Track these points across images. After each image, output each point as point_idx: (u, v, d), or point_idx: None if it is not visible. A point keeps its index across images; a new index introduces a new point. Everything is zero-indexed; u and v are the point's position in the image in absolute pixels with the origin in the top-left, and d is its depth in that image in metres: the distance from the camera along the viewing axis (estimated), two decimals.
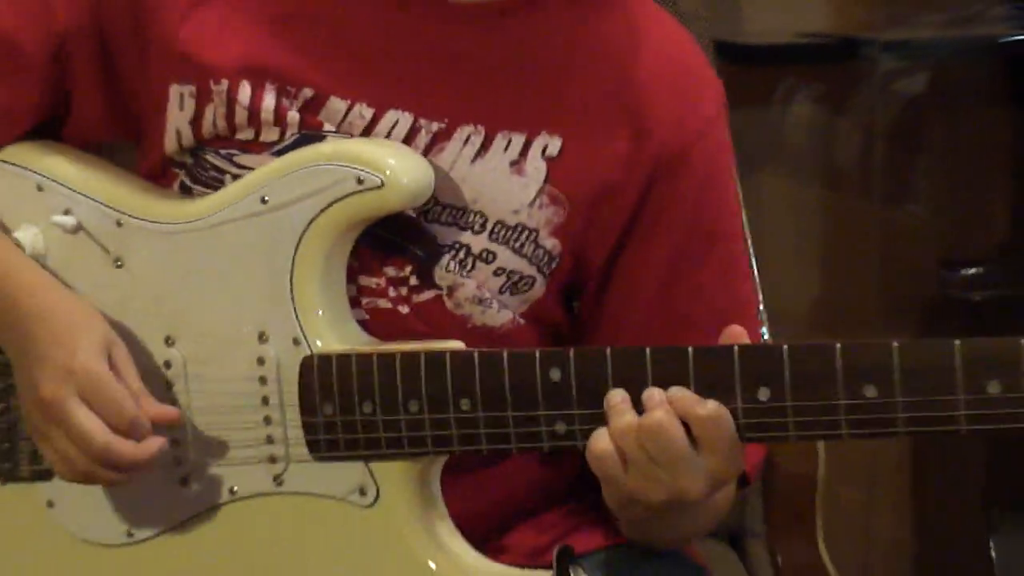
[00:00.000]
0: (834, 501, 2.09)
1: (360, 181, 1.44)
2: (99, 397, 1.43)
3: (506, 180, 1.47)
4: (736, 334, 1.38)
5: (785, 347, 1.35)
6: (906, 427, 1.33)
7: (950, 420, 1.33)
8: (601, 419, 1.39)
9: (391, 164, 1.44)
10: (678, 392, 1.36)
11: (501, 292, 1.50)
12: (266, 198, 1.47)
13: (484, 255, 1.49)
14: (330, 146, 1.48)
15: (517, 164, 1.48)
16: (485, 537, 1.52)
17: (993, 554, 2.47)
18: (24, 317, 1.48)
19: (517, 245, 1.50)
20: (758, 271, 1.96)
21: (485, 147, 1.47)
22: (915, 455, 2.72)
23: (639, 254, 1.52)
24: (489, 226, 1.49)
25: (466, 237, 1.49)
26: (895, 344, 1.33)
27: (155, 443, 1.44)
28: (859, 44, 2.56)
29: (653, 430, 1.36)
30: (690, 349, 1.36)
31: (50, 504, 1.54)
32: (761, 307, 1.98)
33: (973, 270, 2.62)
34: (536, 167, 1.48)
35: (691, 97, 1.53)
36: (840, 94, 2.64)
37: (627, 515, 1.47)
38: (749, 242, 1.95)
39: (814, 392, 1.34)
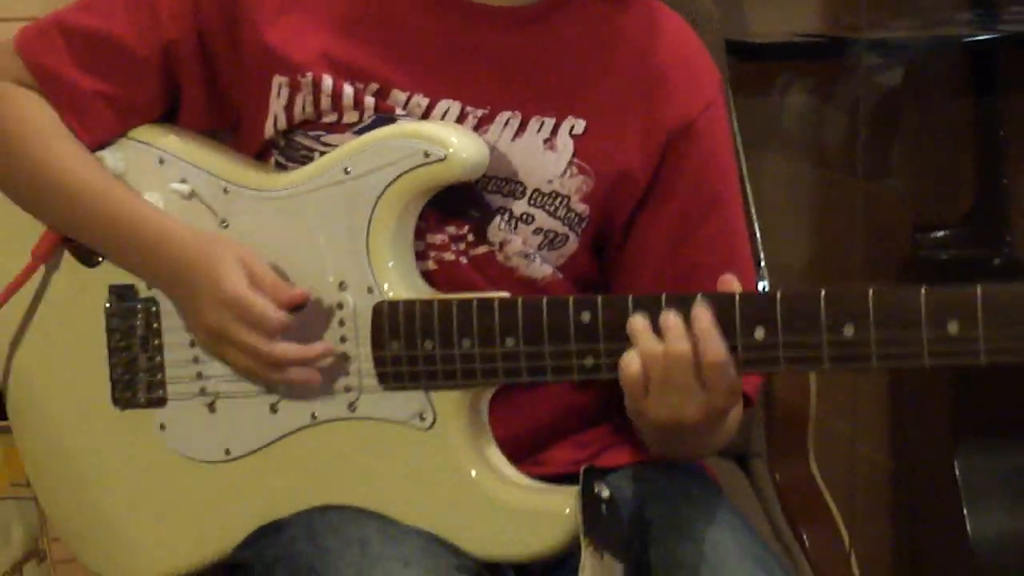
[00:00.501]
0: (824, 430, 2.24)
1: (427, 155, 1.51)
2: (250, 316, 1.49)
3: (540, 155, 1.56)
4: (728, 281, 1.42)
5: (778, 293, 1.39)
6: (878, 362, 1.37)
7: (916, 356, 1.36)
8: (621, 353, 1.44)
9: (453, 141, 1.52)
10: (704, 326, 1.41)
11: (540, 248, 1.58)
12: (348, 169, 1.54)
13: (525, 217, 1.57)
14: (402, 126, 1.55)
15: (549, 141, 1.56)
16: (527, 454, 1.58)
17: (957, 473, 2.57)
18: (170, 260, 1.55)
19: (552, 209, 1.58)
20: (760, 234, 2.07)
21: (522, 128, 1.56)
22: (892, 391, 2.79)
23: (652, 213, 1.60)
24: (528, 193, 1.57)
25: (509, 203, 1.57)
26: (871, 290, 1.37)
27: (318, 346, 1.52)
28: (846, 43, 2.60)
29: (675, 358, 1.41)
30: (699, 295, 1.41)
31: (162, 427, 1.61)
32: (763, 264, 2.07)
33: (942, 233, 2.68)
34: (565, 143, 1.56)
35: (697, 80, 1.61)
36: (830, 85, 2.71)
37: (640, 427, 1.52)
38: (752, 208, 2.08)
39: (801, 331, 1.39)
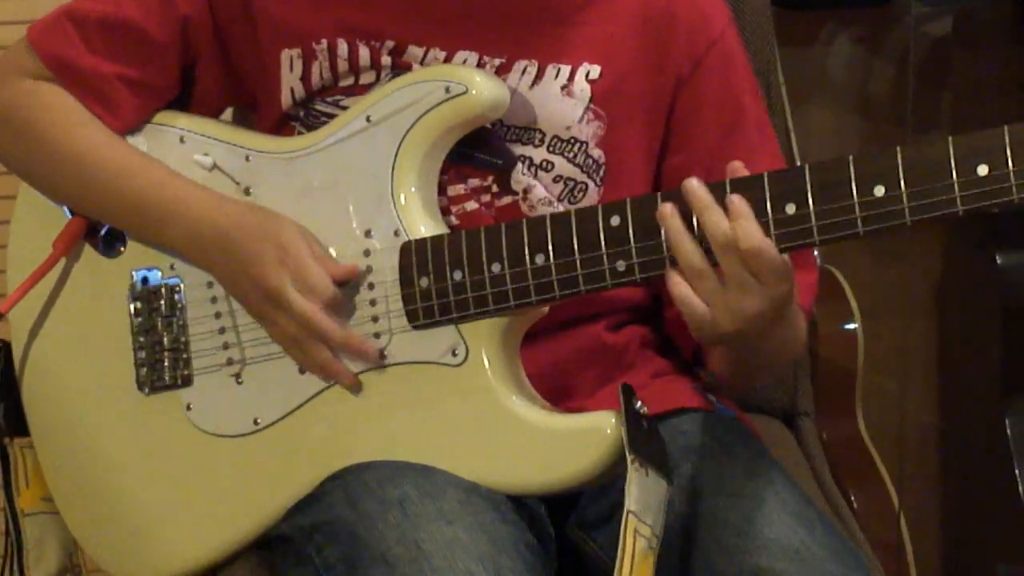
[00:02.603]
0: (872, 389, 2.25)
1: (448, 90, 1.54)
2: (308, 281, 1.53)
3: (558, 102, 1.59)
4: (734, 168, 1.45)
5: (806, 166, 1.41)
6: (912, 216, 1.38)
7: (949, 203, 1.37)
8: (654, 251, 1.46)
9: (473, 76, 1.55)
10: (738, 209, 1.41)
11: (561, 199, 1.61)
12: (370, 117, 1.57)
13: (544, 164, 1.60)
14: (421, 70, 1.58)
15: (566, 88, 1.59)
16: (558, 400, 1.59)
17: (1008, 431, 2.57)
18: (224, 231, 1.57)
19: (571, 155, 1.60)
20: None
21: (539, 76, 1.59)
22: (941, 349, 2.81)
23: (680, 156, 1.63)
24: (547, 140, 1.60)
25: (528, 150, 1.59)
26: (898, 148, 1.39)
27: (351, 334, 1.53)
28: None
29: (720, 247, 1.41)
30: (727, 181, 1.43)
31: (188, 407, 1.63)
32: None
33: None
34: (582, 89, 1.59)
35: (702, 19, 1.63)
36: (877, 35, 2.70)
37: (712, 350, 1.57)
38: (798, 160, 2.10)
39: (832, 199, 1.40)
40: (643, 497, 1.43)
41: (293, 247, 1.54)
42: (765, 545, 1.50)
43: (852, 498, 2.09)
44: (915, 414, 2.77)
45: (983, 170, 1.36)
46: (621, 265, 1.47)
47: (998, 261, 2.55)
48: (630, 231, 1.46)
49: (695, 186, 1.43)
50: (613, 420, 1.48)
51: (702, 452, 1.58)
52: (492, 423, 1.52)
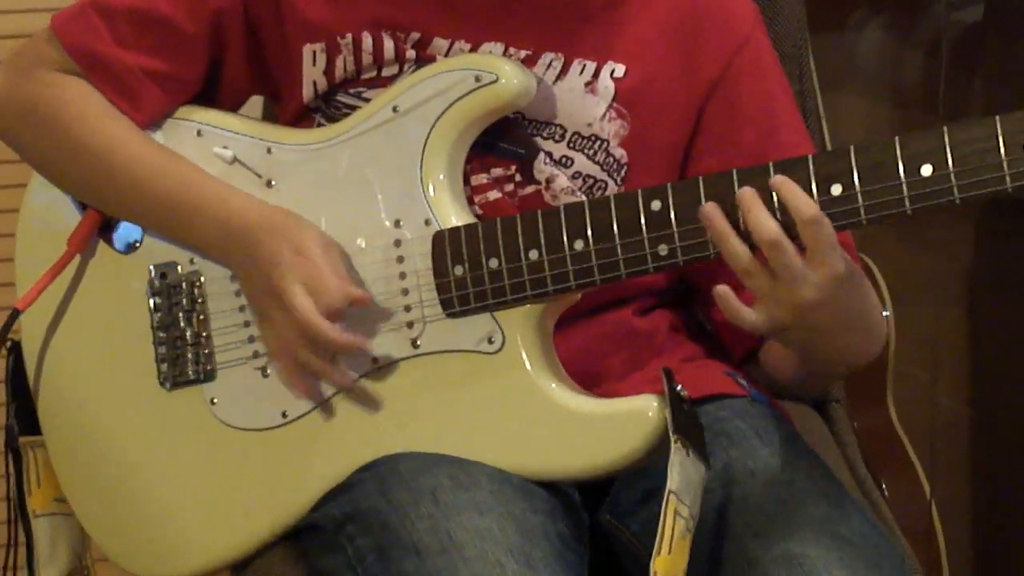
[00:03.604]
0: (903, 378, 2.29)
1: (478, 79, 1.53)
2: (318, 286, 1.52)
3: (581, 98, 1.59)
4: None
5: (852, 147, 1.41)
6: (960, 194, 1.39)
7: (998, 180, 1.38)
8: (697, 234, 1.46)
9: (502, 64, 1.55)
10: (785, 188, 1.42)
11: (581, 193, 1.60)
12: (397, 107, 1.57)
13: (564, 160, 1.60)
14: (448, 60, 1.58)
15: (590, 85, 1.59)
16: (590, 385, 1.58)
17: None
18: (249, 229, 1.57)
19: (591, 153, 1.60)
20: None
21: (564, 71, 1.59)
22: (972, 339, 2.79)
23: (715, 157, 1.61)
24: (567, 136, 1.60)
25: (549, 145, 1.59)
26: (945, 127, 1.40)
27: (353, 338, 1.52)
28: None
29: (768, 245, 1.41)
30: (770, 164, 1.43)
31: (212, 402, 1.62)
32: None
33: None
34: (606, 87, 1.59)
35: (729, 21, 1.63)
36: (908, 21, 2.70)
37: (784, 349, 1.56)
38: (829, 147, 2.07)
39: (878, 179, 1.41)
40: (684, 478, 1.43)
41: (311, 252, 1.53)
42: (799, 530, 1.50)
43: (883, 485, 2.09)
44: (946, 402, 2.76)
45: None
46: (663, 249, 1.47)
47: None
48: (672, 215, 1.46)
49: (746, 190, 1.43)
50: (655, 403, 1.48)
51: (736, 437, 1.58)
52: (532, 410, 1.52)
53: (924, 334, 2.66)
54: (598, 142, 1.60)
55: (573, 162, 1.60)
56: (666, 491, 1.41)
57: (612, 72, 1.59)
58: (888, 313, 2.26)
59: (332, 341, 1.52)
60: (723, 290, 1.45)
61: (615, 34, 1.59)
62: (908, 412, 2.33)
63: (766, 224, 1.41)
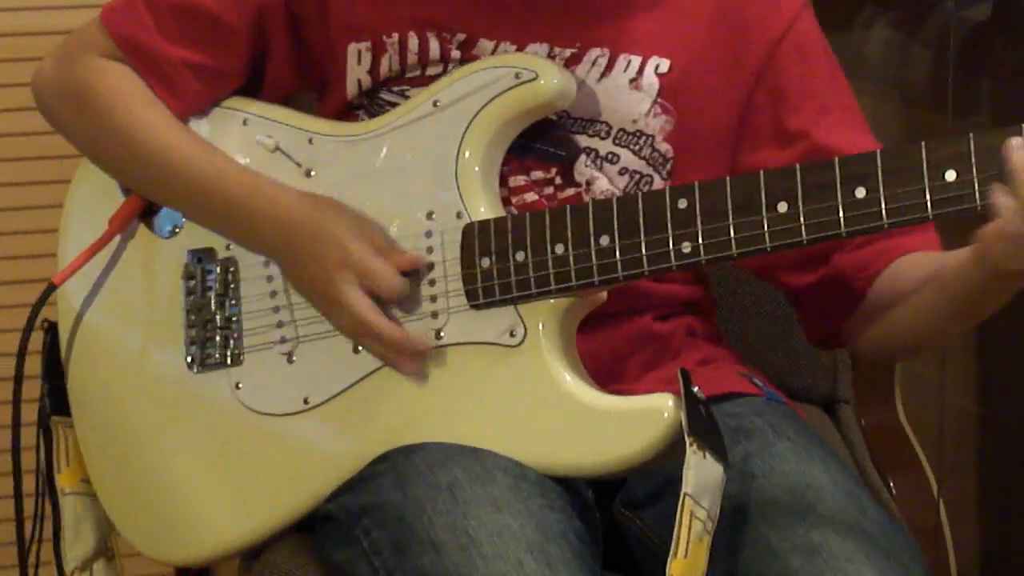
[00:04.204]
0: (911, 377, 2.25)
1: (518, 76, 1.56)
2: (371, 278, 1.55)
3: (626, 94, 1.61)
4: None
5: (877, 151, 1.43)
6: (983, 200, 1.39)
7: None
8: (720, 232, 1.46)
9: (543, 64, 1.57)
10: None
11: (627, 191, 1.62)
12: (437, 101, 1.59)
13: (610, 157, 1.62)
14: (490, 58, 1.60)
15: (635, 81, 1.61)
16: (606, 384, 1.59)
17: None
18: (284, 225, 1.60)
19: (636, 148, 1.62)
20: None
21: (609, 67, 1.61)
22: (980, 337, 2.73)
23: (766, 147, 1.64)
24: (613, 133, 1.61)
25: (595, 142, 1.61)
26: (971, 134, 1.40)
27: (405, 335, 1.55)
28: None
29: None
30: (797, 166, 1.45)
31: (237, 386, 1.65)
32: None
33: None
34: (650, 83, 1.61)
35: (772, 5, 1.64)
36: (916, 20, 2.66)
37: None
38: None
39: (903, 182, 1.41)
40: (700, 480, 1.43)
41: (355, 248, 1.55)
42: (818, 521, 1.50)
43: (891, 484, 2.09)
44: (954, 401, 2.73)
45: None
46: (687, 247, 1.48)
47: None
48: (697, 213, 1.47)
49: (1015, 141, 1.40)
50: (670, 402, 1.48)
51: (752, 434, 1.58)
52: (549, 404, 1.52)
53: None
54: (643, 137, 1.61)
55: (619, 158, 1.61)
56: (681, 494, 1.42)
57: (657, 67, 1.60)
58: None
59: (385, 336, 1.55)
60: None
61: (659, 29, 1.61)
62: (916, 410, 2.30)
63: None
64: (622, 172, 1.62)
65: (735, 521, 1.52)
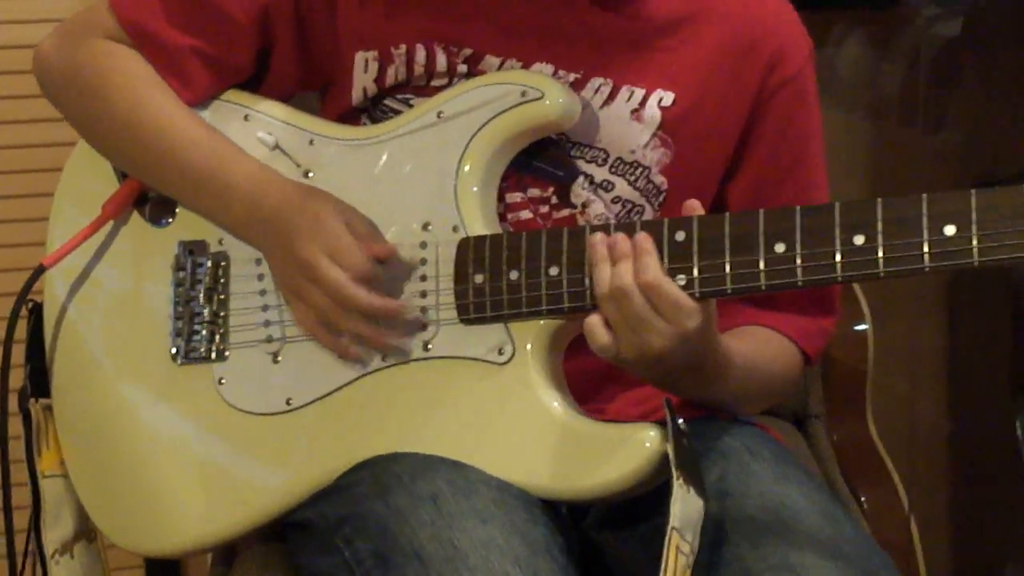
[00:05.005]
0: (882, 390, 2.25)
1: (524, 94, 1.55)
2: (340, 252, 1.53)
3: (626, 125, 1.60)
4: (693, 206, 1.48)
5: (879, 200, 1.42)
6: (980, 257, 1.39)
7: (1018, 248, 1.38)
8: (715, 269, 1.46)
9: (549, 84, 1.56)
10: (644, 263, 1.45)
11: (619, 218, 1.62)
12: (442, 112, 1.59)
13: (605, 184, 1.61)
14: (497, 73, 1.59)
15: (637, 112, 1.60)
16: (583, 402, 1.58)
17: (1019, 433, 2.53)
18: (276, 208, 1.58)
19: (632, 179, 1.62)
20: None
21: (611, 96, 1.60)
22: (951, 351, 2.77)
23: (730, 182, 1.65)
24: (610, 161, 1.61)
25: (591, 168, 1.60)
26: (973, 191, 1.39)
27: (390, 301, 1.54)
28: None
29: (619, 285, 1.45)
30: (797, 208, 1.44)
31: (220, 381, 1.63)
32: None
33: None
34: (652, 115, 1.60)
35: (783, 54, 1.64)
36: (887, 36, 2.67)
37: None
38: None
39: (902, 234, 1.41)
40: (685, 514, 1.43)
41: (328, 219, 1.54)
42: (795, 541, 1.50)
43: (862, 499, 2.09)
44: (925, 415, 2.76)
45: None
46: (682, 279, 1.47)
47: None
48: (695, 247, 1.47)
49: (642, 237, 1.45)
50: (653, 433, 1.48)
51: (728, 454, 1.59)
52: (533, 425, 1.52)
53: (903, 346, 2.66)
54: (640, 168, 1.61)
55: (614, 186, 1.61)
56: (668, 528, 1.41)
57: (660, 100, 1.60)
58: (867, 326, 2.26)
59: (367, 305, 1.53)
60: (593, 319, 1.47)
61: (666, 61, 1.60)
62: (888, 425, 2.30)
63: (624, 274, 1.45)
64: (615, 201, 1.62)
65: (713, 541, 1.51)
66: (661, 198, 1.62)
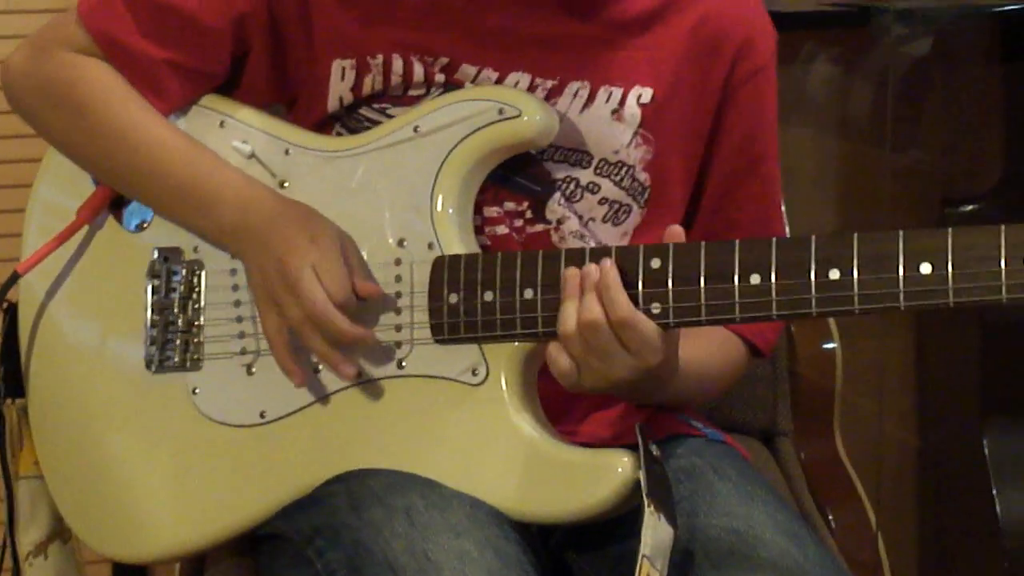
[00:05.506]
0: (850, 408, 2.25)
1: (501, 112, 1.54)
2: (327, 274, 1.52)
3: (608, 126, 1.60)
4: (675, 232, 1.48)
5: (855, 235, 1.41)
6: (956, 298, 1.38)
7: (993, 290, 1.37)
8: (690, 297, 1.45)
9: (528, 101, 1.55)
10: (611, 298, 1.45)
11: (604, 220, 1.62)
12: (418, 127, 1.57)
13: (591, 187, 1.61)
14: (475, 88, 1.58)
15: (617, 112, 1.60)
16: (554, 423, 1.57)
17: (986, 451, 2.57)
18: (269, 219, 1.57)
19: (617, 179, 1.62)
20: (786, 207, 1.93)
21: (590, 99, 1.60)
22: (919, 369, 2.79)
23: (702, 174, 1.66)
24: (594, 163, 1.61)
25: (576, 172, 1.60)
26: (950, 229, 1.38)
27: (362, 330, 1.53)
28: (873, 12, 2.58)
29: (587, 319, 1.46)
30: (773, 240, 1.44)
31: (194, 391, 1.62)
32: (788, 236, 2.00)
33: (970, 207, 2.67)
34: (632, 113, 1.60)
35: (751, 45, 1.65)
36: (856, 55, 2.70)
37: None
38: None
39: (877, 270, 1.40)
40: (656, 542, 1.42)
41: (325, 240, 1.53)
42: (759, 563, 1.50)
43: (830, 517, 2.09)
44: (893, 433, 2.76)
45: None
46: (656, 308, 1.47)
47: None
48: (670, 276, 1.46)
49: (607, 266, 1.46)
50: (625, 459, 1.48)
51: (694, 474, 1.59)
52: (505, 448, 1.52)
53: (871, 365, 2.67)
54: (624, 168, 1.61)
55: (600, 188, 1.61)
56: (639, 556, 1.41)
57: (639, 97, 1.60)
58: (836, 345, 2.27)
59: (339, 330, 1.52)
60: (555, 347, 1.48)
61: (641, 57, 1.61)
62: (855, 443, 2.32)
63: (593, 309, 1.45)
64: (602, 201, 1.62)
65: (678, 563, 1.50)
66: (646, 195, 1.63)
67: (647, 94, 1.60)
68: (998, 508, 2.55)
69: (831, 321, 2.20)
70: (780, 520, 1.55)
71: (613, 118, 1.60)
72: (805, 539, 1.54)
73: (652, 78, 1.61)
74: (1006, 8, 2.66)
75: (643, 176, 1.62)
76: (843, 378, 2.21)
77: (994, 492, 2.56)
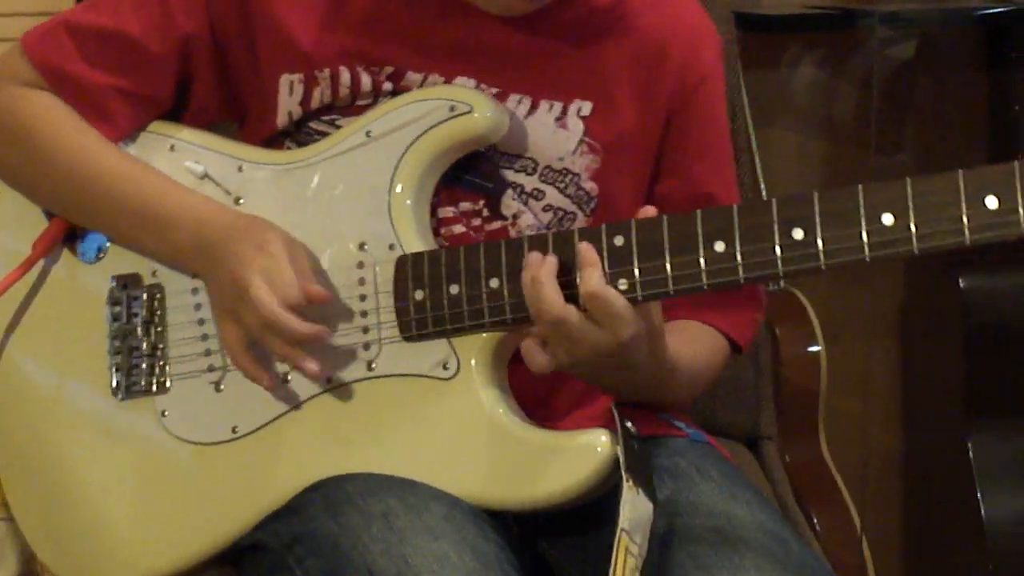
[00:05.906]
0: (835, 411, 2.28)
1: (452, 109, 1.55)
2: (276, 278, 1.51)
3: (552, 134, 1.60)
4: (649, 212, 1.48)
5: (816, 192, 1.41)
6: (920, 245, 1.37)
7: (956, 233, 1.36)
8: (656, 271, 1.45)
9: (477, 97, 1.56)
10: (587, 273, 1.45)
11: (549, 227, 1.61)
12: (371, 132, 1.57)
13: (535, 193, 1.61)
14: (424, 89, 1.58)
15: (560, 120, 1.60)
16: (536, 418, 1.56)
17: (971, 454, 2.58)
18: (220, 237, 1.57)
19: (562, 186, 1.61)
20: None
21: (533, 110, 1.60)
22: (904, 371, 2.80)
23: (667, 184, 1.65)
24: (539, 169, 1.61)
25: (520, 178, 1.60)
26: (908, 179, 1.38)
27: (316, 327, 1.52)
28: (858, 15, 2.59)
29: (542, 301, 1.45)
30: (734, 207, 1.43)
31: (163, 414, 1.61)
32: None
33: None
34: (575, 124, 1.60)
35: (695, 53, 1.65)
36: (841, 59, 2.72)
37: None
38: (762, 182, 2.13)
39: (840, 225, 1.39)
40: (635, 516, 1.42)
41: (272, 247, 1.53)
42: (742, 563, 1.50)
43: (815, 520, 2.10)
44: (877, 437, 2.77)
45: (992, 203, 1.36)
46: (623, 284, 1.47)
47: (961, 284, 2.56)
48: (634, 251, 1.47)
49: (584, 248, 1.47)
50: (604, 438, 1.48)
51: (677, 474, 1.58)
52: (482, 438, 1.52)
53: (856, 369, 2.68)
54: (569, 176, 1.61)
55: (544, 195, 1.61)
56: (618, 530, 1.41)
57: (579, 110, 1.61)
58: (820, 348, 2.27)
59: (292, 330, 1.51)
60: (528, 344, 1.49)
61: (582, 72, 1.61)
62: (840, 446, 2.34)
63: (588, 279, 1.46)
64: (546, 209, 1.62)
65: (661, 561, 1.50)
66: (592, 204, 1.63)
67: (587, 107, 1.61)
68: (983, 511, 2.56)
69: (815, 325, 2.22)
70: (763, 520, 1.55)
71: (557, 126, 1.61)
72: (789, 538, 1.54)
73: (591, 92, 1.61)
74: (990, 12, 2.67)
75: (589, 185, 1.62)
76: (828, 381, 2.22)
77: (979, 495, 2.56)
